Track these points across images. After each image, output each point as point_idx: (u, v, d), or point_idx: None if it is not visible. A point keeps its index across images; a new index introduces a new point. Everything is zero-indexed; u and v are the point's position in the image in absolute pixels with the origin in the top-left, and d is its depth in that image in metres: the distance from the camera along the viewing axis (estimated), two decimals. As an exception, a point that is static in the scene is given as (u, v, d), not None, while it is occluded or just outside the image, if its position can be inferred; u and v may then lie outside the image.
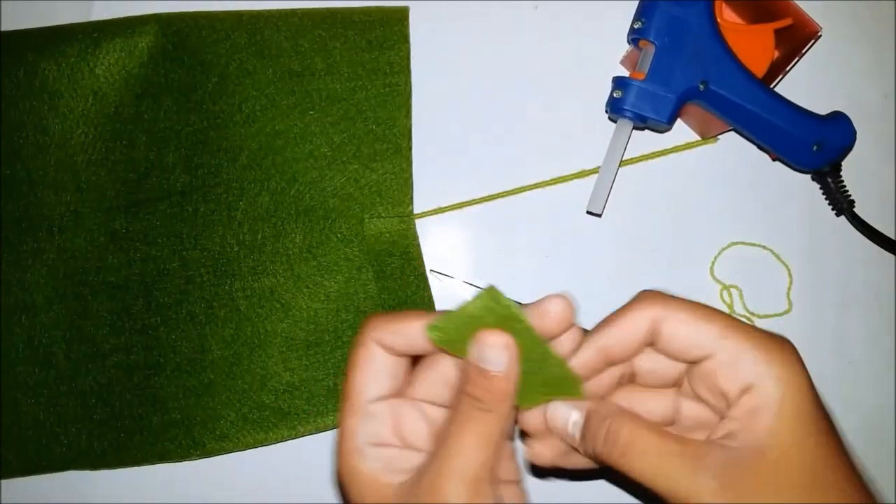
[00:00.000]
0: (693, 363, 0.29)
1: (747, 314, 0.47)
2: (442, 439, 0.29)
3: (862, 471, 0.29)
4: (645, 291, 0.31)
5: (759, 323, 0.46)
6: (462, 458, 0.28)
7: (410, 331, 0.30)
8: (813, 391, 0.28)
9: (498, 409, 0.29)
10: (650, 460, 0.27)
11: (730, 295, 0.47)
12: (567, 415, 0.30)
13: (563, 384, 0.30)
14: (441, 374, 0.31)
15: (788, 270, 0.47)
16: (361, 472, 0.29)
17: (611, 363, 0.30)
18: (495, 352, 0.29)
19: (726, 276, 0.47)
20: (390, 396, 0.31)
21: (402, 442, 0.30)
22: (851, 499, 0.27)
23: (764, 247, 0.47)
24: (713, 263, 0.47)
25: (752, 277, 0.47)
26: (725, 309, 0.46)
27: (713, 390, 0.29)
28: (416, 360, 0.32)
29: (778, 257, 0.47)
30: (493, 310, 0.28)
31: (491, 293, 0.28)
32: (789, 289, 0.47)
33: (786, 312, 0.47)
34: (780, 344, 0.28)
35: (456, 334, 0.29)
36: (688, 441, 0.28)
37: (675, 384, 0.31)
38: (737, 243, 0.47)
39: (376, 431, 0.30)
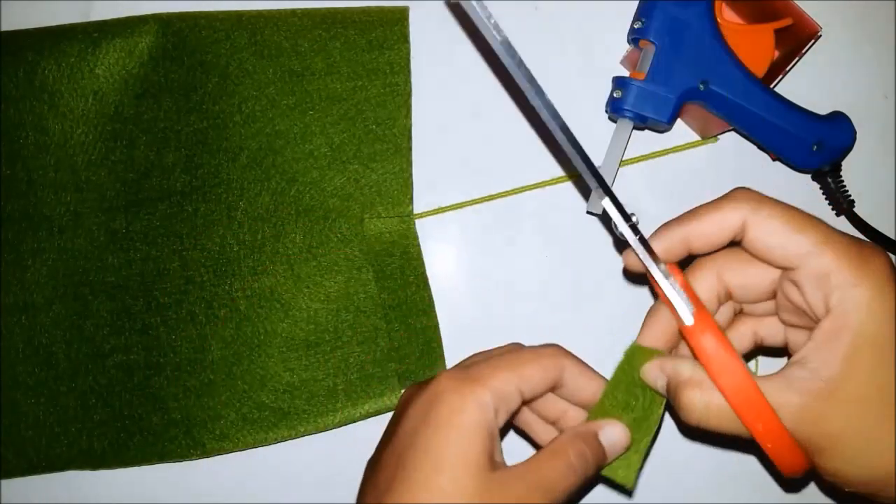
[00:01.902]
0: (782, 270, 0.29)
1: None
2: (541, 455, 0.30)
3: None
4: (739, 189, 0.30)
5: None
6: (551, 475, 0.29)
7: (589, 384, 0.33)
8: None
9: (585, 468, 0.30)
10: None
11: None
12: (656, 375, 0.31)
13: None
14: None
15: None
16: (486, 420, 0.29)
17: (690, 253, 0.31)
18: (614, 436, 0.32)
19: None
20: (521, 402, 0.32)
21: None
22: None
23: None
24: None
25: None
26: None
27: (800, 305, 0.28)
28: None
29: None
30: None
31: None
32: None
33: None
34: (871, 262, 0.27)
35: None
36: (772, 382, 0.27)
37: (770, 296, 0.31)
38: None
39: (502, 411, 0.30)
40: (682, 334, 0.30)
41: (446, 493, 0.27)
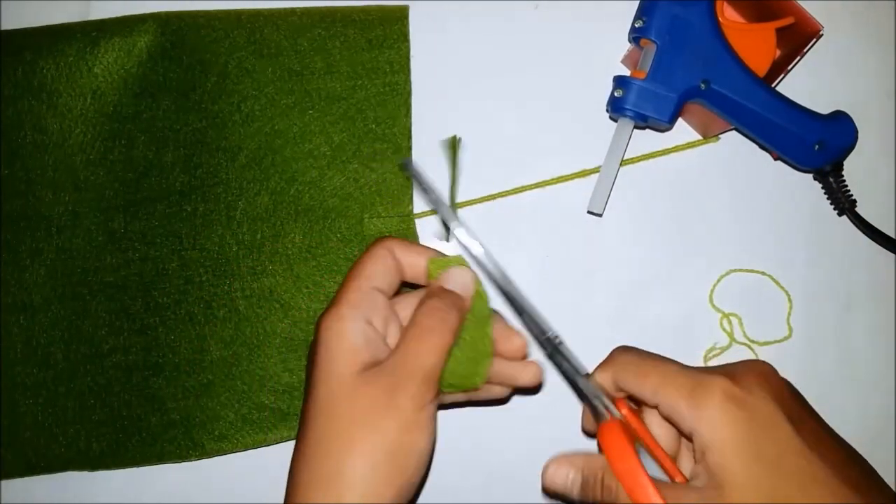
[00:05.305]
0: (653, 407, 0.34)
1: (745, 338, 0.47)
2: (406, 343, 0.33)
3: (849, 461, 0.31)
4: (616, 349, 0.36)
5: (760, 349, 0.47)
6: (422, 360, 0.32)
7: (420, 255, 0.35)
8: (752, 419, 0.31)
9: (452, 322, 0.34)
10: None
11: (730, 323, 0.47)
12: (566, 473, 0.34)
13: (476, 362, 0.35)
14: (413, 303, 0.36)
15: (788, 296, 0.47)
16: (346, 337, 0.33)
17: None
18: (461, 277, 0.35)
19: (725, 300, 0.47)
20: (387, 295, 0.35)
21: (383, 335, 0.34)
22: (834, 498, 0.29)
23: (764, 273, 0.47)
24: (713, 289, 0.47)
25: (752, 300, 0.47)
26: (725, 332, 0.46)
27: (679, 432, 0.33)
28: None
29: (778, 283, 0.47)
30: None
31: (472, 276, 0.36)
32: (789, 315, 0.47)
33: (786, 338, 0.46)
34: (709, 388, 0.31)
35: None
36: (668, 486, 0.31)
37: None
38: (735, 270, 0.47)
39: (372, 313, 0.34)
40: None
41: (324, 400, 0.32)
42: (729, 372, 0.32)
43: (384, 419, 0.31)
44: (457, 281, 0.35)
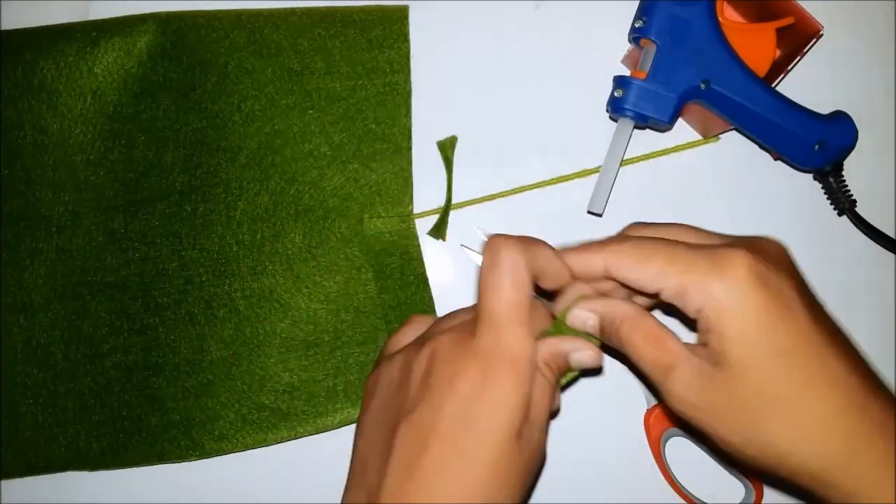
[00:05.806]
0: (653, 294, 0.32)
1: None
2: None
3: (860, 359, 0.30)
4: (631, 226, 0.36)
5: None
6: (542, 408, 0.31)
7: (561, 269, 0.33)
8: (761, 298, 0.28)
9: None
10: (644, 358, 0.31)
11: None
12: (585, 317, 0.32)
13: None
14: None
15: None
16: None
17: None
18: (581, 360, 0.32)
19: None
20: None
21: None
22: (826, 377, 0.28)
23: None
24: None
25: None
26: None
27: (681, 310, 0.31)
28: None
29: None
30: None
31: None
32: None
33: None
34: (719, 266, 0.29)
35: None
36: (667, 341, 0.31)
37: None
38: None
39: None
40: None
41: (487, 463, 0.29)
42: (751, 244, 0.29)
43: (521, 468, 0.30)
44: (577, 361, 0.33)
